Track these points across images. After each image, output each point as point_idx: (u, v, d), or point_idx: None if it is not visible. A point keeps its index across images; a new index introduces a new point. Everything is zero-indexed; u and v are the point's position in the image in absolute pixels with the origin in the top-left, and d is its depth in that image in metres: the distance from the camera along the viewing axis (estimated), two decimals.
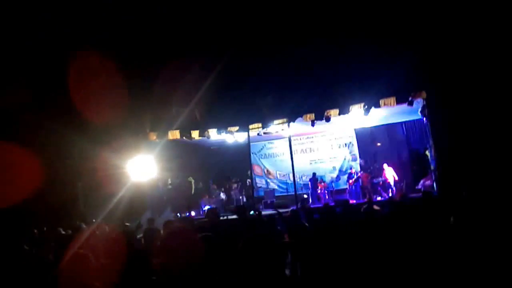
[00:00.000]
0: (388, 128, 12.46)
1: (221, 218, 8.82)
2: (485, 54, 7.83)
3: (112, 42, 10.02)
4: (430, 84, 8.37)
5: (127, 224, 7.92)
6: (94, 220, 8.29)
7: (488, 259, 3.30)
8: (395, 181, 11.09)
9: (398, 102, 8.80)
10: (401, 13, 8.49)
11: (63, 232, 6.83)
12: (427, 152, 10.27)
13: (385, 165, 11.40)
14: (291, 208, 8.99)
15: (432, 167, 9.73)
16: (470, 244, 3.77)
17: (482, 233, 3.89)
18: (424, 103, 8.85)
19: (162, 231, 6.20)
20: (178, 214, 10.63)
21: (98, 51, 9.60)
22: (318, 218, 7.16)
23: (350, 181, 11.90)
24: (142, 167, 10.33)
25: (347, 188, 12.03)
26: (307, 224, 5.87)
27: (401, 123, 12.16)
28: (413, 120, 11.41)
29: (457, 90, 8.09)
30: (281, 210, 9.27)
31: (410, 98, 8.66)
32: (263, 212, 9.78)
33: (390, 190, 10.98)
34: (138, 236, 6.76)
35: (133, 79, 10.09)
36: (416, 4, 8.39)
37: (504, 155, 7.48)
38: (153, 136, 10.61)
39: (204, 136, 10.69)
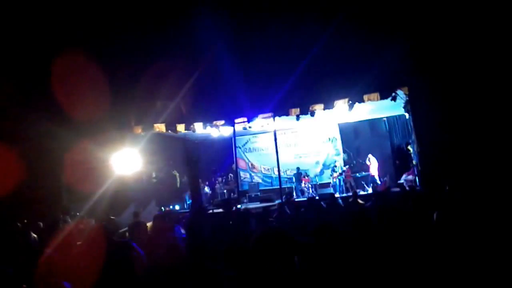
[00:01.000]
0: (372, 123, 12.66)
1: (207, 211, 8.87)
2: (467, 51, 7.97)
3: (97, 36, 9.90)
4: (413, 80, 8.51)
5: (112, 217, 7.90)
6: (78, 214, 8.24)
7: (472, 254, 3.38)
8: (378, 175, 11.29)
9: (382, 97, 8.92)
10: (384, 9, 8.58)
11: (43, 226, 6.78)
12: (410, 147, 10.46)
13: (370, 156, 11.58)
14: (277, 202, 9.07)
15: (414, 162, 9.91)
16: (453, 239, 3.86)
17: (466, 229, 3.98)
18: (407, 98, 8.98)
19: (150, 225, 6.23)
20: (162, 208, 10.60)
21: (81, 45, 9.47)
22: (304, 211, 7.22)
23: (334, 175, 12.04)
24: (126, 161, 10.25)
25: (330, 182, 12.18)
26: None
27: (384, 118, 12.35)
28: (396, 116, 11.57)
29: (439, 86, 8.23)
30: (266, 204, 9.38)
31: (393, 94, 8.78)
32: (249, 206, 9.86)
33: (372, 184, 11.15)
34: (121, 230, 6.71)
35: (118, 72, 9.98)
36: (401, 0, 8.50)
37: (485, 150, 7.64)
38: (138, 129, 10.51)
39: (190, 130, 10.66)
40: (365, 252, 3.74)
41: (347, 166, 12.07)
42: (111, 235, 5.37)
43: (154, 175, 11.80)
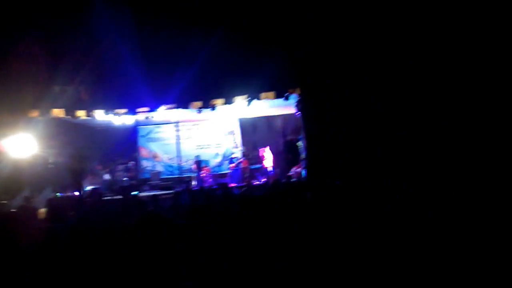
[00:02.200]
0: (269, 120, 13.70)
1: (105, 198, 9.05)
2: (353, 56, 8.95)
3: None
4: (304, 82, 9.46)
5: (4, 202, 7.75)
6: None
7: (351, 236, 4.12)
8: (272, 167, 12.29)
9: (277, 96, 9.80)
10: (279, 16, 9.33)
11: None
12: (299, 143, 11.55)
13: (265, 150, 12.52)
14: (175, 190, 9.54)
15: (302, 156, 11.00)
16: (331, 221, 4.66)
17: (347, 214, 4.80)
18: (299, 98, 9.96)
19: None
20: (59, 194, 10.45)
21: None
22: (199, 199, 7.81)
23: (231, 165, 12.83)
24: (20, 145, 9.90)
25: (228, 173, 12.97)
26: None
27: (279, 115, 13.42)
28: (290, 114, 12.61)
29: (326, 88, 9.23)
30: (166, 192, 9.81)
31: (286, 94, 9.70)
32: (148, 193, 10.18)
33: (266, 175, 12.11)
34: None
35: (12, 52, 9.55)
36: (292, 7, 9.25)
37: (364, 148, 8.77)
38: (34, 113, 10.17)
39: (90, 116, 10.58)
40: (250, 235, 4.35)
41: (244, 158, 12.92)
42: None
43: (51, 160, 11.48)
